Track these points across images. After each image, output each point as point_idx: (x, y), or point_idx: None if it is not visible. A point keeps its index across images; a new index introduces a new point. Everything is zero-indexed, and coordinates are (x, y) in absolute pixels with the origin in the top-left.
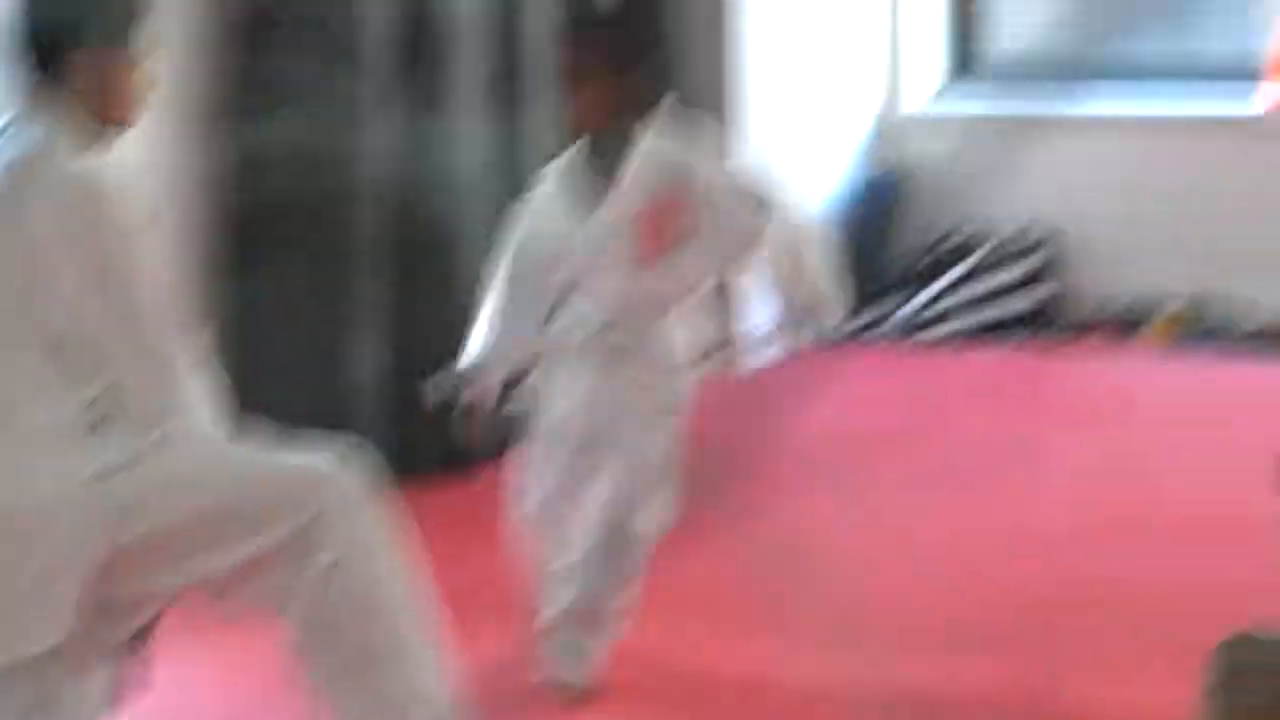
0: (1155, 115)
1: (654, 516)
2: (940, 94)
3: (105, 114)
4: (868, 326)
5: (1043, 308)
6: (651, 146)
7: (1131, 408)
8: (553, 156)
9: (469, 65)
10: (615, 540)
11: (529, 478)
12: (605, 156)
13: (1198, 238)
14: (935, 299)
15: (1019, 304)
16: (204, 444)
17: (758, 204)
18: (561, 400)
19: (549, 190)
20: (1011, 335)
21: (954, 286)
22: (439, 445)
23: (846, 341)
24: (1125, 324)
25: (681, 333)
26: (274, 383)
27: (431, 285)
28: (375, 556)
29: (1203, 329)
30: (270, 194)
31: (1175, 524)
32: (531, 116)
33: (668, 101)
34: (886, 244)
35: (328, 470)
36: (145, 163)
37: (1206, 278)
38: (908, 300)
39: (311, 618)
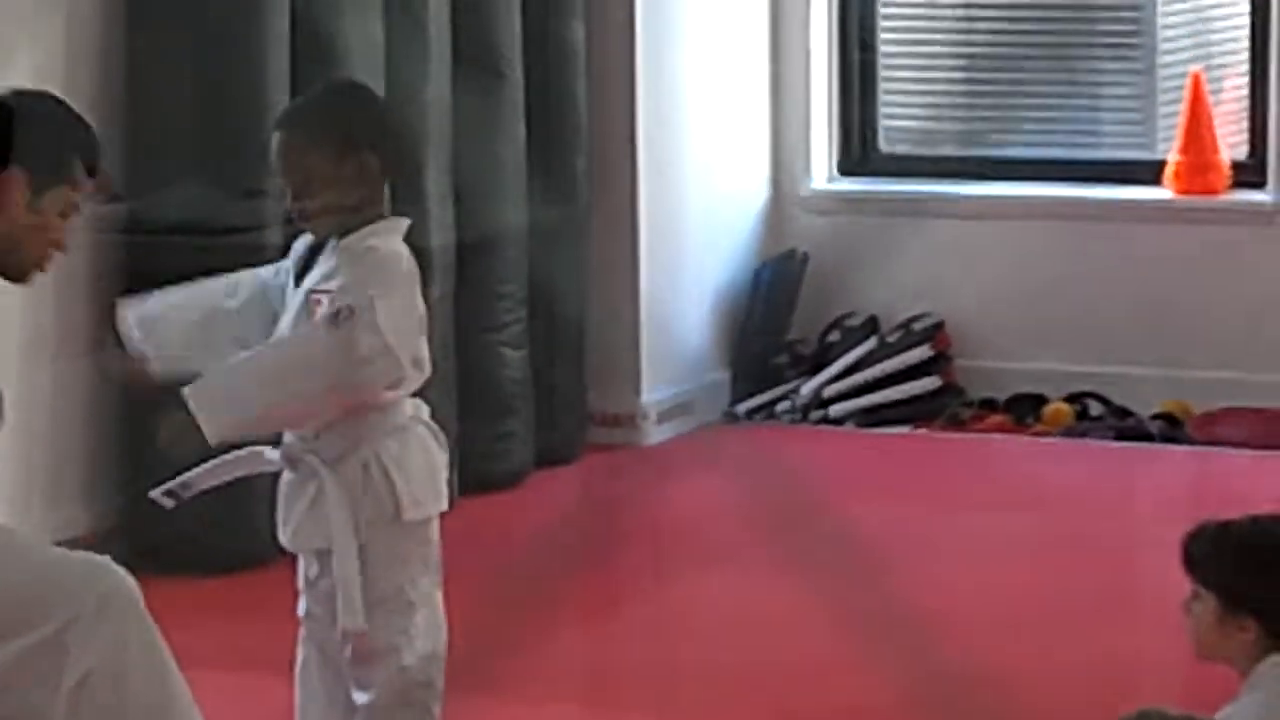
0: (1052, 196)
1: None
2: (837, 176)
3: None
4: (765, 407)
5: (939, 391)
6: (344, 247)
7: (1027, 491)
8: None
9: None
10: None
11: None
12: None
13: (1094, 321)
14: (832, 381)
15: (916, 387)
16: None
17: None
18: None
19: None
20: (908, 418)
21: (852, 369)
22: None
23: (744, 422)
24: (1021, 407)
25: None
26: None
27: None
28: (131, 668)
29: (1098, 413)
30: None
31: (1075, 607)
32: None
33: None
34: (784, 326)
35: (84, 574)
36: None
37: (1102, 360)
38: (805, 382)
39: None
